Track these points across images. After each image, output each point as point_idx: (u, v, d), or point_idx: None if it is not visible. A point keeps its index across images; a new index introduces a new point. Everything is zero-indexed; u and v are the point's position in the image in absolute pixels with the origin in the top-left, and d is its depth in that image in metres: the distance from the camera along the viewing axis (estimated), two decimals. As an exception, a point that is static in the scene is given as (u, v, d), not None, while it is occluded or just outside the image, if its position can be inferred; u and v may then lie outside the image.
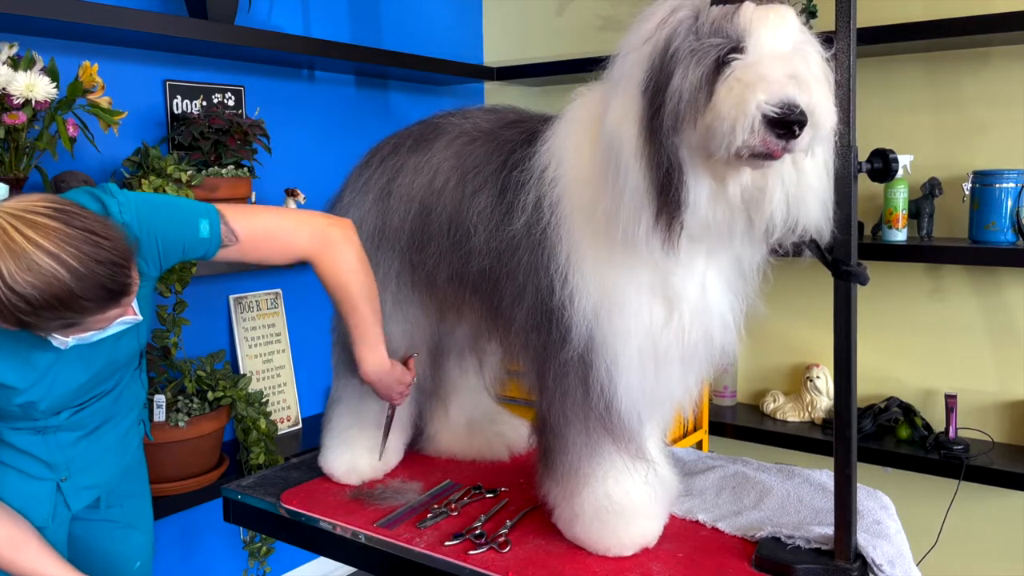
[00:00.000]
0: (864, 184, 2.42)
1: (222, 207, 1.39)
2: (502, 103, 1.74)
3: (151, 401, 2.00)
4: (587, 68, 2.88)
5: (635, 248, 1.16)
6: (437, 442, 1.78)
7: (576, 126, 1.26)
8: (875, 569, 1.23)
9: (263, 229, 1.40)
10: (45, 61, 1.82)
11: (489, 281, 1.36)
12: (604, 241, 1.20)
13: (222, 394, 2.12)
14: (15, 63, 1.75)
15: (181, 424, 1.99)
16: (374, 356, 1.50)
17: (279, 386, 2.56)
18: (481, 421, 1.80)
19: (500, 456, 1.74)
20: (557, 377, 1.26)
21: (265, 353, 2.54)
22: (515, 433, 1.79)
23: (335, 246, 1.43)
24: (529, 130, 1.38)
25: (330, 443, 1.68)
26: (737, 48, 1.05)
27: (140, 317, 1.27)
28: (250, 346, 2.51)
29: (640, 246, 1.13)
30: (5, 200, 1.11)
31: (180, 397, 2.08)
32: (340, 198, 1.64)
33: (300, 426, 2.60)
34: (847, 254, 1.16)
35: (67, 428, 1.37)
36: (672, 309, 1.24)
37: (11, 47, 1.77)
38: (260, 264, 1.47)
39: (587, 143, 1.22)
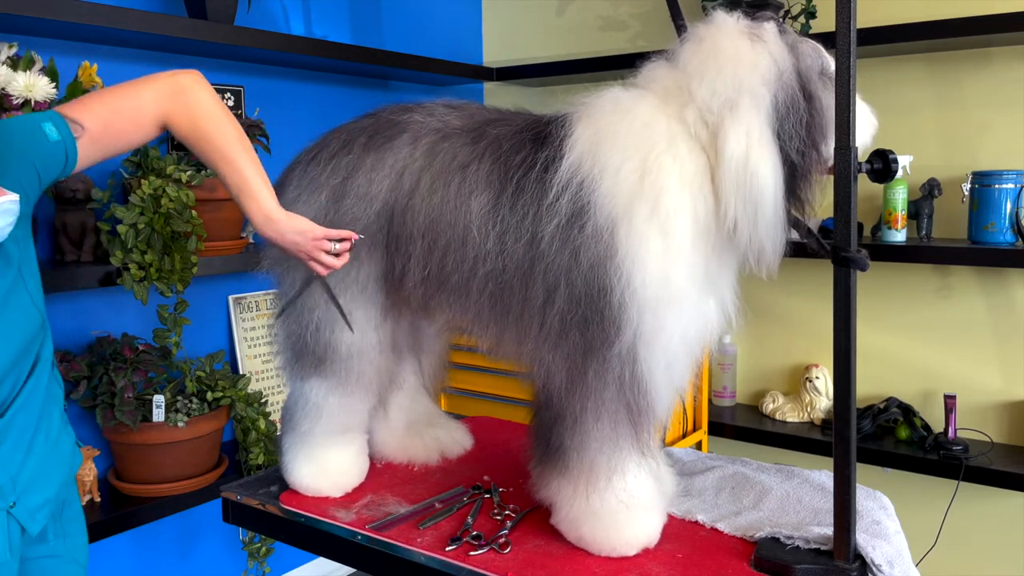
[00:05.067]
0: (863, 185, 2.44)
1: (58, 107, 1.26)
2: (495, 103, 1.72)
3: (151, 401, 2.00)
4: (587, 68, 2.90)
5: (726, 251, 1.26)
6: (372, 444, 1.71)
7: (613, 137, 1.26)
8: (874, 569, 1.23)
9: (106, 108, 1.26)
10: (44, 61, 1.82)
11: (500, 284, 1.33)
12: (669, 239, 1.22)
13: (221, 394, 2.12)
14: (15, 63, 1.75)
15: (180, 424, 1.99)
16: (260, 208, 1.34)
17: (278, 386, 2.56)
18: (419, 424, 1.76)
19: (431, 461, 1.72)
20: (598, 373, 1.26)
21: (265, 353, 2.54)
22: (450, 438, 1.77)
23: (186, 93, 1.29)
24: (528, 129, 1.36)
25: (291, 455, 1.58)
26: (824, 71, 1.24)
27: (16, 196, 1.11)
28: (249, 346, 2.51)
29: (768, 255, 1.22)
30: None
31: (179, 397, 2.08)
32: (282, 193, 1.50)
33: (299, 426, 2.60)
34: (847, 242, 1.16)
35: (5, 441, 1.24)
36: (706, 298, 1.29)
37: (11, 47, 1.77)
38: (121, 151, 1.30)
39: (642, 150, 1.24)
